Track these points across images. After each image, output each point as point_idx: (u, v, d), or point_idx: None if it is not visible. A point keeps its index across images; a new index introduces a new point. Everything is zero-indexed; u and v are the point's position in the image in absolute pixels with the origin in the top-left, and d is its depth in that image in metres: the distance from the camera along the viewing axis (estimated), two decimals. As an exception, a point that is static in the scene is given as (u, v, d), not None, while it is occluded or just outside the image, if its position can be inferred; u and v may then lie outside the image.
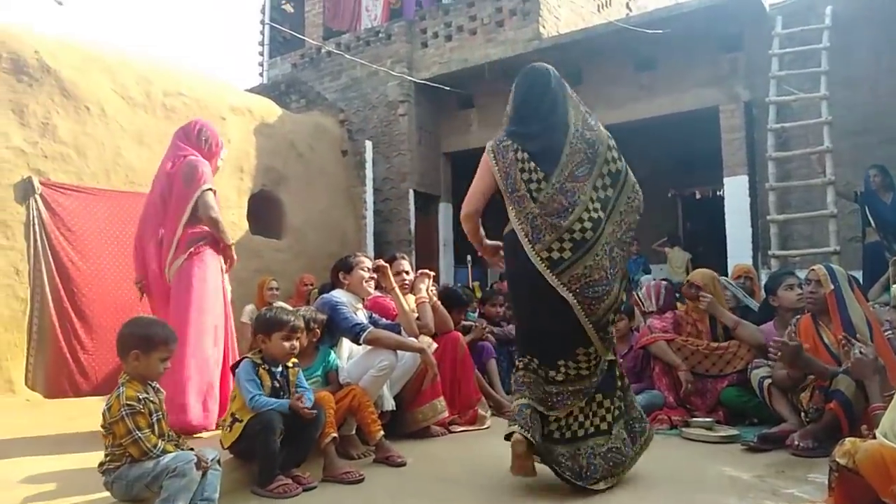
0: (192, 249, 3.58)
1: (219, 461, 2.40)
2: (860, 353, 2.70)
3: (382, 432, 3.13)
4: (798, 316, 3.60)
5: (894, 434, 1.93)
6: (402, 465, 3.04)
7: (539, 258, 2.42)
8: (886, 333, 3.30)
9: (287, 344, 2.83)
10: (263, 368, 2.82)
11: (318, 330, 3.25)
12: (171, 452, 2.29)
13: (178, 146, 3.83)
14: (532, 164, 2.47)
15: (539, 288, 2.45)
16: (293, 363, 2.94)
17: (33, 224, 5.34)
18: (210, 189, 3.65)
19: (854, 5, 7.14)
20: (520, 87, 2.66)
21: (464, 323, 4.58)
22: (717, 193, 9.29)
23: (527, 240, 2.44)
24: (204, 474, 2.28)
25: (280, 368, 2.87)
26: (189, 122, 4.01)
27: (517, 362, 2.64)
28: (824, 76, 6.85)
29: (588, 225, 2.43)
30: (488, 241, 2.84)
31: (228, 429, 2.78)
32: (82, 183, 5.73)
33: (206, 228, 3.65)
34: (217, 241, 3.69)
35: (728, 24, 7.65)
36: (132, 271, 5.57)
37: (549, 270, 2.40)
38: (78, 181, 5.71)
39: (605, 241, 2.48)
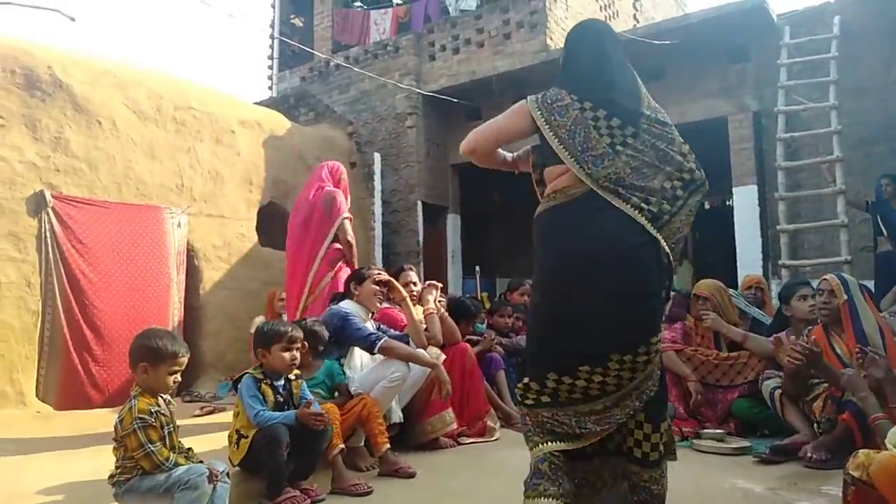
0: (336, 267, 4.36)
1: (228, 474, 2.40)
2: (875, 355, 2.66)
3: (389, 445, 3.11)
4: (810, 326, 3.57)
5: None
6: (412, 476, 3.02)
7: (638, 211, 2.01)
8: None
9: (287, 355, 2.82)
10: (265, 383, 2.81)
11: (319, 340, 3.23)
12: (182, 465, 2.29)
13: (320, 177, 4.71)
14: (616, 121, 2.09)
15: (601, 265, 2.01)
16: (295, 375, 2.93)
17: (45, 237, 5.39)
18: (348, 217, 4.50)
19: (862, 15, 7.12)
20: (576, 35, 2.31)
21: (469, 337, 4.56)
22: (727, 203, 9.26)
23: (617, 197, 2.03)
24: (214, 487, 2.28)
25: (282, 382, 2.87)
26: (332, 163, 4.95)
27: (521, 394, 2.16)
28: (833, 86, 6.82)
29: (678, 184, 2.11)
30: (509, 154, 2.49)
31: (235, 446, 2.77)
32: (94, 196, 5.79)
33: (340, 249, 4.44)
34: (348, 261, 4.45)
35: (736, 35, 7.65)
36: (143, 283, 5.68)
37: (650, 224, 2.02)
38: (90, 194, 5.77)
39: (692, 208, 2.15)
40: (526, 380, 2.14)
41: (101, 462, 3.03)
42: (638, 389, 2.05)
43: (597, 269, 2.02)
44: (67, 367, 5.34)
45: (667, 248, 2.04)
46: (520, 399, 2.16)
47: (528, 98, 2.20)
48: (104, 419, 4.33)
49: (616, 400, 2.04)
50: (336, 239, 4.43)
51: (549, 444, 2.05)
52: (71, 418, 4.90)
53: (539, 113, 2.14)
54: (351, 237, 4.47)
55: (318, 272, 4.33)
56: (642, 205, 2.02)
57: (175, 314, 6.20)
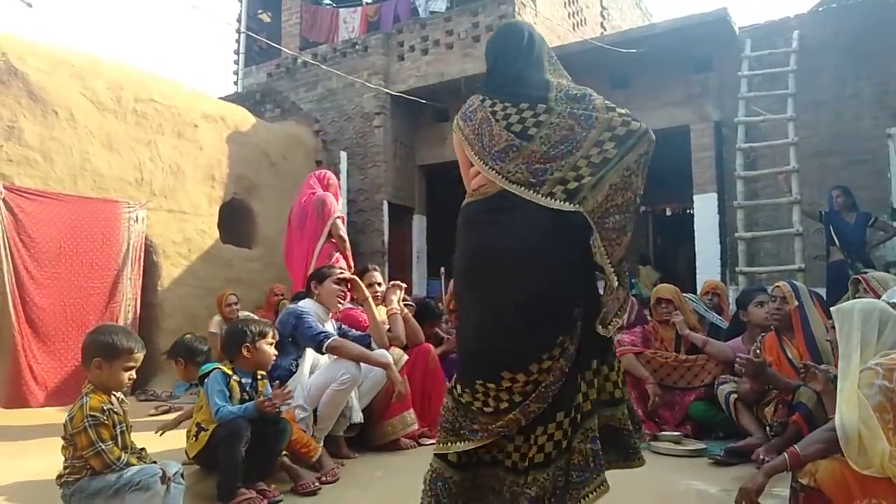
0: (332, 259, 4.87)
1: (182, 475, 2.34)
2: (816, 370, 2.75)
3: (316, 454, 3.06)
4: (763, 333, 3.68)
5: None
6: (313, 493, 2.82)
7: (550, 197, 1.87)
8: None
9: (272, 349, 2.90)
10: (234, 380, 2.78)
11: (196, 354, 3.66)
12: (134, 465, 2.23)
13: (310, 185, 5.36)
14: (519, 107, 1.97)
15: (522, 259, 1.89)
16: (262, 375, 2.91)
17: (-5, 229, 5.21)
18: (340, 217, 5.20)
19: (820, 30, 7.35)
20: (491, 46, 2.25)
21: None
22: (688, 210, 9.44)
23: (528, 187, 1.89)
24: (167, 488, 2.23)
25: (249, 380, 2.84)
26: (319, 171, 5.76)
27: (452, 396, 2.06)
28: (791, 98, 7.02)
29: (610, 145, 1.90)
30: None
31: (194, 438, 2.73)
32: (48, 188, 5.62)
33: (335, 243, 5.10)
34: (343, 255, 5.10)
35: (699, 46, 7.82)
36: (86, 280, 5.93)
37: (566, 202, 1.85)
38: (44, 186, 5.59)
39: (624, 171, 1.91)
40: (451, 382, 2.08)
41: (50, 462, 2.94)
42: (543, 395, 1.89)
43: (499, 272, 1.92)
44: (13, 364, 5.19)
45: (592, 222, 1.87)
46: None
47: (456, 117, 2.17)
48: (54, 417, 4.20)
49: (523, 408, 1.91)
50: (330, 237, 5.07)
51: (453, 444, 1.96)
52: (18, 416, 4.74)
53: (457, 125, 2.11)
54: (343, 234, 5.14)
55: (317, 264, 4.72)
56: (557, 187, 1.87)
57: (128, 311, 6.04)
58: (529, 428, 1.91)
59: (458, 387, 2.02)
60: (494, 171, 1.95)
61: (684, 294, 4.73)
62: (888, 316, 2.06)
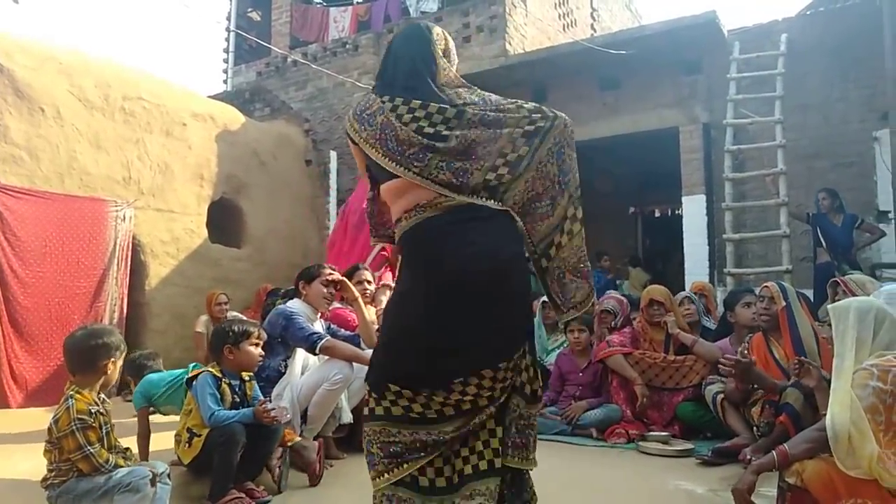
0: (381, 269, 4.96)
1: (168, 475, 2.33)
2: (810, 365, 2.77)
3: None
4: (751, 334, 3.70)
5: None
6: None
7: (474, 195, 1.82)
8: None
9: (257, 350, 2.86)
10: (225, 382, 2.76)
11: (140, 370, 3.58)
12: (122, 467, 2.21)
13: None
14: (428, 110, 1.87)
15: (498, 269, 1.81)
16: (249, 376, 2.89)
17: (-19, 228, 5.15)
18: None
19: (808, 34, 7.40)
20: (398, 45, 2.08)
21: None
22: (676, 212, 9.49)
23: (452, 188, 1.82)
24: (154, 489, 2.21)
25: (238, 382, 2.82)
26: None
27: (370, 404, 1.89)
28: (779, 101, 7.07)
29: (521, 142, 1.87)
30: None
31: (187, 444, 2.70)
32: (34, 186, 5.56)
33: (385, 255, 5.17)
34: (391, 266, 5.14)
35: (689, 48, 7.85)
36: (71, 280, 5.84)
37: (490, 200, 1.82)
38: (30, 184, 5.54)
39: (543, 158, 1.89)
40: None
41: (35, 463, 2.91)
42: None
43: (457, 286, 1.81)
44: (-3, 365, 5.14)
45: (515, 214, 1.85)
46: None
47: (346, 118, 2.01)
48: (38, 418, 4.16)
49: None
50: (384, 248, 5.21)
51: (396, 469, 1.80)
52: (7, 417, 4.70)
53: (352, 127, 1.94)
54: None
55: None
56: (478, 185, 1.83)
57: (114, 311, 5.99)
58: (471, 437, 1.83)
59: (390, 395, 1.84)
60: (414, 173, 1.83)
61: (686, 293, 4.76)
62: (884, 315, 2.06)
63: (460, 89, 1.98)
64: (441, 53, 2.03)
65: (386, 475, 1.81)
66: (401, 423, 1.82)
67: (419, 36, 2.05)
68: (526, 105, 1.93)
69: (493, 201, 1.84)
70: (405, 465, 1.80)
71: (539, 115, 1.91)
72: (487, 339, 1.82)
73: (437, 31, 2.09)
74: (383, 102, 1.91)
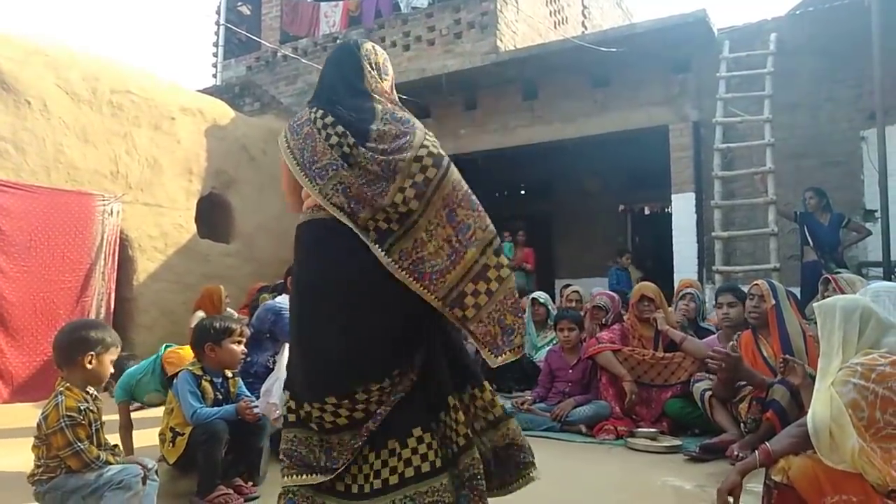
0: None
1: (156, 471, 2.32)
2: (795, 363, 2.80)
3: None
4: (739, 332, 3.72)
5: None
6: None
7: (364, 230, 1.87)
8: None
9: (239, 348, 2.83)
10: (206, 380, 2.74)
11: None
12: (112, 464, 2.20)
13: None
14: (340, 129, 1.94)
15: (350, 280, 1.89)
16: (232, 373, 2.88)
17: (-34, 221, 5.10)
18: None
19: (797, 33, 7.45)
20: (329, 60, 2.19)
21: None
22: (666, 209, 9.53)
23: (343, 213, 1.87)
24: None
25: (220, 379, 2.81)
26: None
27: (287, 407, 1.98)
28: (768, 100, 7.11)
29: (411, 194, 1.89)
30: None
31: (171, 444, 2.69)
32: (20, 180, 5.50)
33: None
34: None
35: (679, 47, 7.88)
36: (57, 275, 5.76)
37: (376, 245, 1.86)
38: (15, 178, 5.48)
39: (433, 218, 1.91)
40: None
41: (22, 459, 2.89)
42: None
43: (324, 297, 1.91)
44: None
45: (401, 271, 1.85)
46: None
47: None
48: (22, 414, 4.12)
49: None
50: None
51: (300, 476, 1.89)
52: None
53: (283, 138, 2.05)
54: None
55: None
56: (370, 223, 1.87)
57: (100, 306, 5.95)
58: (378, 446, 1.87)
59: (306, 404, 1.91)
60: (316, 190, 1.90)
61: (689, 289, 4.78)
62: (870, 314, 2.07)
63: (389, 105, 2.06)
64: (370, 66, 2.10)
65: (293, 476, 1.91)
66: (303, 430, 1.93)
67: (348, 50, 2.15)
68: (430, 144, 1.95)
69: (378, 247, 1.86)
70: (304, 476, 1.88)
71: (430, 165, 1.91)
72: (349, 353, 1.87)
73: (368, 45, 2.17)
74: (311, 113, 2.01)
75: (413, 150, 1.92)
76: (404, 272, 1.86)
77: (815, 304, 2.24)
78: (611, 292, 5.15)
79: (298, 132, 2.01)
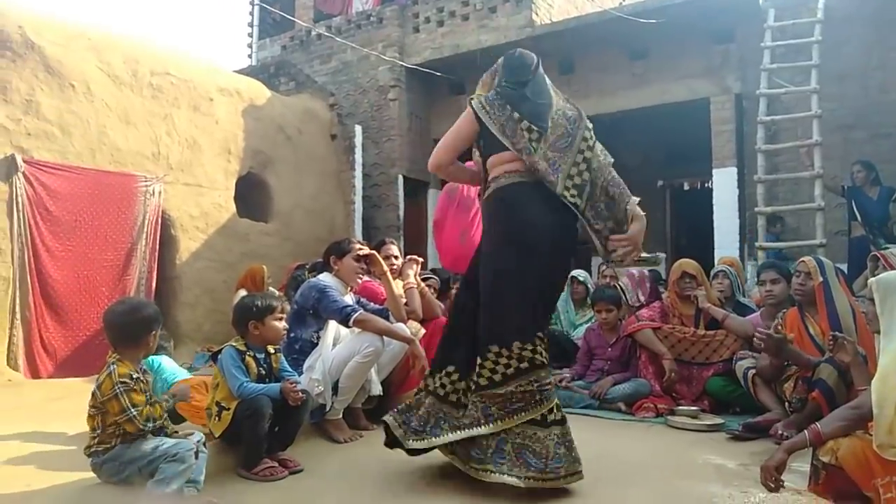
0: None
1: (205, 444, 2.38)
2: (845, 341, 2.72)
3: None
4: (785, 309, 3.63)
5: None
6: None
7: (565, 191, 2.46)
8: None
9: (281, 324, 2.90)
10: (249, 356, 2.80)
11: None
12: (166, 428, 2.35)
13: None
14: (527, 123, 2.50)
15: (551, 238, 2.46)
16: (275, 349, 2.93)
17: (16, 202, 5.27)
18: None
19: (846, 0, 7.15)
20: (511, 60, 2.68)
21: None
22: (706, 185, 9.32)
23: (548, 177, 2.45)
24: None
25: (263, 355, 2.86)
26: None
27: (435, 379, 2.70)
28: (815, 70, 6.86)
29: (583, 166, 2.55)
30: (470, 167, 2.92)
31: (217, 418, 2.75)
32: (66, 162, 5.66)
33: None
34: None
35: (720, 16, 7.64)
36: (99, 254, 5.97)
37: (578, 198, 2.48)
38: (62, 160, 5.64)
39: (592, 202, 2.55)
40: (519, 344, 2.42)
41: (74, 432, 3.00)
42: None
43: (542, 243, 2.45)
44: (31, 335, 5.29)
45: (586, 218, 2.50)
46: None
47: (472, 102, 2.59)
48: (77, 388, 4.28)
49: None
50: None
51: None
52: (42, 387, 4.84)
53: (483, 111, 2.54)
54: None
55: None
56: (567, 181, 2.47)
57: (141, 284, 6.11)
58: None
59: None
60: (526, 157, 2.48)
61: (721, 266, 4.67)
62: None
63: (560, 107, 2.63)
64: (545, 75, 2.70)
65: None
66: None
67: (530, 59, 2.70)
68: (588, 132, 2.63)
69: (579, 200, 2.50)
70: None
71: (587, 133, 2.63)
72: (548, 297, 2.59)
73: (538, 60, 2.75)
74: (502, 102, 2.56)
75: (571, 156, 2.55)
76: (596, 222, 2.53)
77: (872, 280, 2.15)
78: (641, 271, 4.97)
79: (501, 112, 2.54)
